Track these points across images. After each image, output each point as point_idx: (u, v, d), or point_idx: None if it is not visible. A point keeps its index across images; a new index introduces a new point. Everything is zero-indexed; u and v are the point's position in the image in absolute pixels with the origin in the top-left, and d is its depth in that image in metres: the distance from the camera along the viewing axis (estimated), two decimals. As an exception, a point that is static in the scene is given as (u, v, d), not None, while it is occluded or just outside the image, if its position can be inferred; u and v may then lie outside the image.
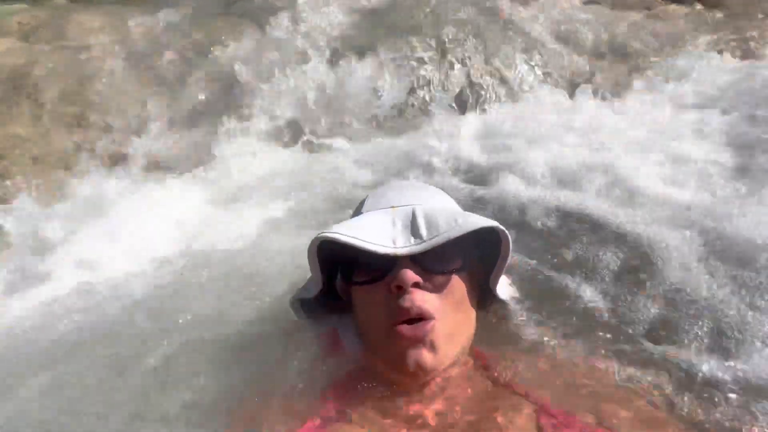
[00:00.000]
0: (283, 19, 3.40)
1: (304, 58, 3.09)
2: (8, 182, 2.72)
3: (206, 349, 1.22)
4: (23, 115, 3.11)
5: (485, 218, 0.99)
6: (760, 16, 3.68)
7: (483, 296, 1.11)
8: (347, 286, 1.06)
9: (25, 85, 3.18)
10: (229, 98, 3.00)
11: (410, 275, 0.92)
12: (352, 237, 0.93)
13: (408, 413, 0.92)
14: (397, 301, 0.93)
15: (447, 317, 0.96)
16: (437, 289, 0.96)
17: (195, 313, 1.34)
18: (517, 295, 1.15)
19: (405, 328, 0.92)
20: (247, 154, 2.61)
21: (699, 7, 3.70)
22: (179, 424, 1.09)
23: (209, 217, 2.05)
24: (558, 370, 1.04)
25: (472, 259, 1.04)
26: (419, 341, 0.92)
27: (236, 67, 3.12)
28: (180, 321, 1.32)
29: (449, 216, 0.96)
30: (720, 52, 3.15)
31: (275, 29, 3.37)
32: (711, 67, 2.95)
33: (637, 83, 3.00)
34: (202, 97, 3.11)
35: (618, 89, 3.00)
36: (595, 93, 2.94)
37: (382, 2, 3.65)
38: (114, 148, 2.95)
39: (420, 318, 0.93)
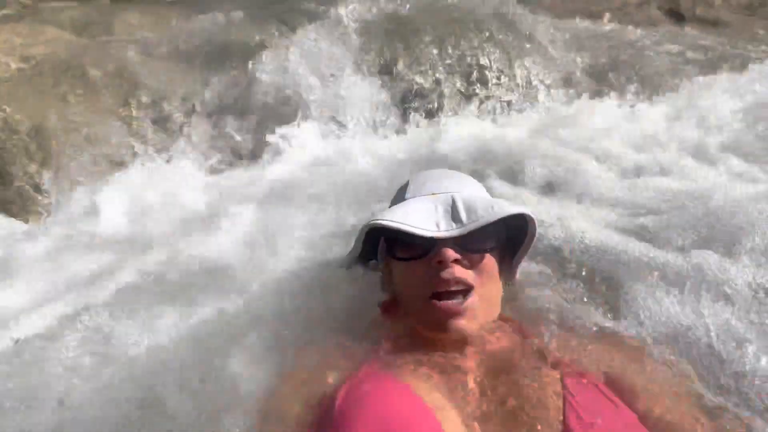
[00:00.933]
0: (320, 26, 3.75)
1: (338, 65, 3.40)
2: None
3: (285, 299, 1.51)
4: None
5: (516, 205, 1.18)
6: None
7: (506, 272, 1.29)
8: (389, 259, 1.25)
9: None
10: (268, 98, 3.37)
11: (451, 253, 1.09)
12: (401, 223, 1.11)
13: (452, 363, 1.06)
14: (439, 274, 1.09)
15: (482, 288, 1.12)
16: (473, 265, 1.12)
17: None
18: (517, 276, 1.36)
19: (443, 304, 1.09)
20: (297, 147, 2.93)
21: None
22: (255, 359, 1.26)
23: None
24: (579, 338, 1.20)
25: (502, 239, 1.21)
26: (458, 313, 1.08)
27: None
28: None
29: (486, 203, 1.14)
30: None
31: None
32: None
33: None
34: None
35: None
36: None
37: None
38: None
39: (457, 291, 1.10)
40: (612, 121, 2.84)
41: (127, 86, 3.47)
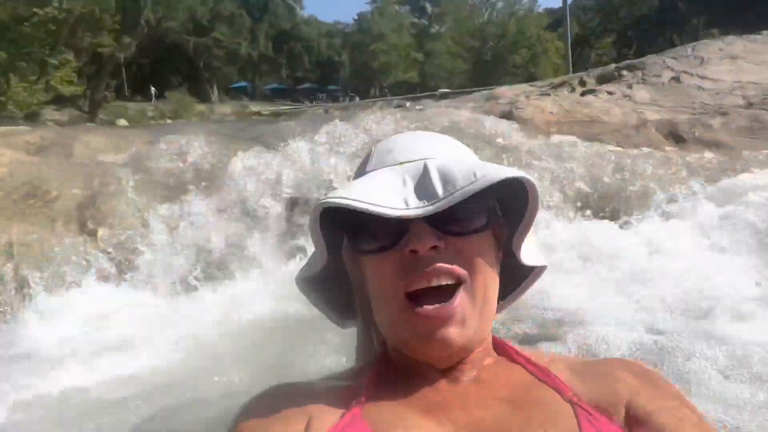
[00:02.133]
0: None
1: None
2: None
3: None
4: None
5: (508, 167, 0.86)
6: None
7: (507, 261, 0.97)
8: (355, 255, 0.93)
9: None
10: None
11: (426, 238, 0.81)
12: (357, 200, 0.81)
13: (439, 398, 0.84)
14: (413, 268, 0.82)
15: (473, 282, 0.85)
16: (458, 253, 0.84)
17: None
18: (544, 262, 1.00)
19: (428, 310, 0.81)
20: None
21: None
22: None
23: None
24: (588, 363, 0.97)
25: (496, 216, 0.92)
26: (443, 318, 0.82)
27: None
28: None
29: (466, 169, 0.83)
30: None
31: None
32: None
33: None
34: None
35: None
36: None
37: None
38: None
39: (438, 289, 0.82)
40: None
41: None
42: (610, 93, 5.12)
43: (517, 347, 0.95)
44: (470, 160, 0.95)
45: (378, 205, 0.80)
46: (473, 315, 0.84)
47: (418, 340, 0.84)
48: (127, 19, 27.79)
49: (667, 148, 3.89)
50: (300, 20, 56.76)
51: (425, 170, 0.84)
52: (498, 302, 0.94)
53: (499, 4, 51.83)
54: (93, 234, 3.14)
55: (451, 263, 0.82)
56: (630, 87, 5.22)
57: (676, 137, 4.09)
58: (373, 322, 0.95)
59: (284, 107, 36.23)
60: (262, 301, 2.65)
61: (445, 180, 0.82)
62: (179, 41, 40.37)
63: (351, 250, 0.94)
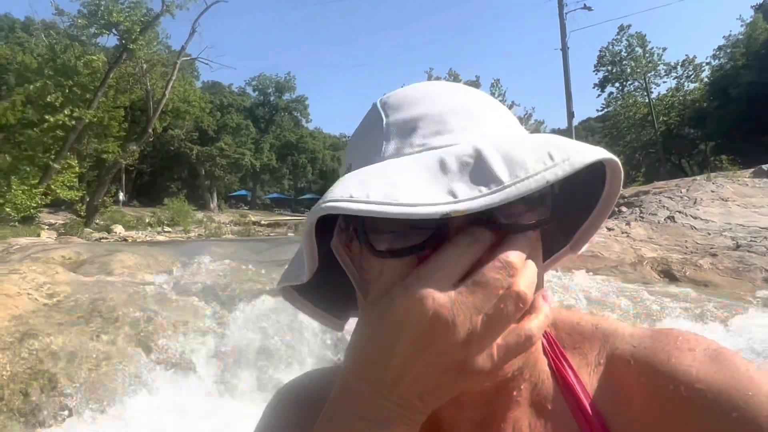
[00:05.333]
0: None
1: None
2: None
3: None
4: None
5: (588, 146, 0.62)
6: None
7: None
8: (363, 251, 0.64)
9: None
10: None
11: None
12: (387, 203, 0.53)
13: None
14: None
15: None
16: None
17: None
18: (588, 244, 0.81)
19: None
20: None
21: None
22: None
23: None
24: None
25: (560, 205, 0.67)
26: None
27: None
28: None
29: (537, 147, 0.58)
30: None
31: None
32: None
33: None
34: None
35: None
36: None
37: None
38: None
39: None
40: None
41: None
42: (609, 229, 5.86)
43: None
44: (523, 131, 0.72)
45: (413, 205, 0.53)
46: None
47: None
48: (133, 127, 29.51)
49: (659, 285, 4.51)
50: (305, 132, 60.04)
51: (477, 151, 0.59)
52: None
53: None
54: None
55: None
56: (629, 224, 5.97)
57: (669, 275, 4.73)
58: None
59: (283, 217, 37.41)
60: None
61: (511, 161, 0.57)
62: (183, 149, 42.43)
63: (347, 246, 0.68)
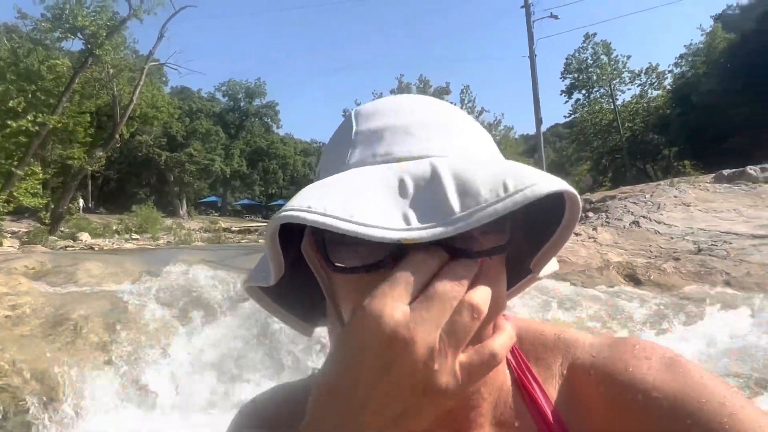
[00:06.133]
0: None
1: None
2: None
3: None
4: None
5: (546, 175, 0.61)
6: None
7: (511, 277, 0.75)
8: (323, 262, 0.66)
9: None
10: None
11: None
12: (338, 218, 0.55)
13: None
14: None
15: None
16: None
17: None
18: (556, 267, 0.80)
19: None
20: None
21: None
22: None
23: None
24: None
25: (518, 230, 0.67)
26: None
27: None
28: None
29: (493, 176, 0.58)
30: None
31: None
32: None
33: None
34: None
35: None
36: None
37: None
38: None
39: None
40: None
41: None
42: (576, 234, 5.97)
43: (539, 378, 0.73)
44: (491, 150, 0.73)
45: (367, 225, 0.55)
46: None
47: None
48: (99, 133, 28.90)
49: (624, 288, 4.63)
50: (276, 138, 59.69)
51: (434, 174, 0.61)
52: None
53: (476, 129, 55.41)
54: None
55: None
56: (595, 229, 6.10)
57: (634, 279, 4.85)
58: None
59: (254, 223, 37.11)
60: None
61: (464, 191, 0.59)
62: (151, 154, 41.80)
63: (317, 251, 0.67)
